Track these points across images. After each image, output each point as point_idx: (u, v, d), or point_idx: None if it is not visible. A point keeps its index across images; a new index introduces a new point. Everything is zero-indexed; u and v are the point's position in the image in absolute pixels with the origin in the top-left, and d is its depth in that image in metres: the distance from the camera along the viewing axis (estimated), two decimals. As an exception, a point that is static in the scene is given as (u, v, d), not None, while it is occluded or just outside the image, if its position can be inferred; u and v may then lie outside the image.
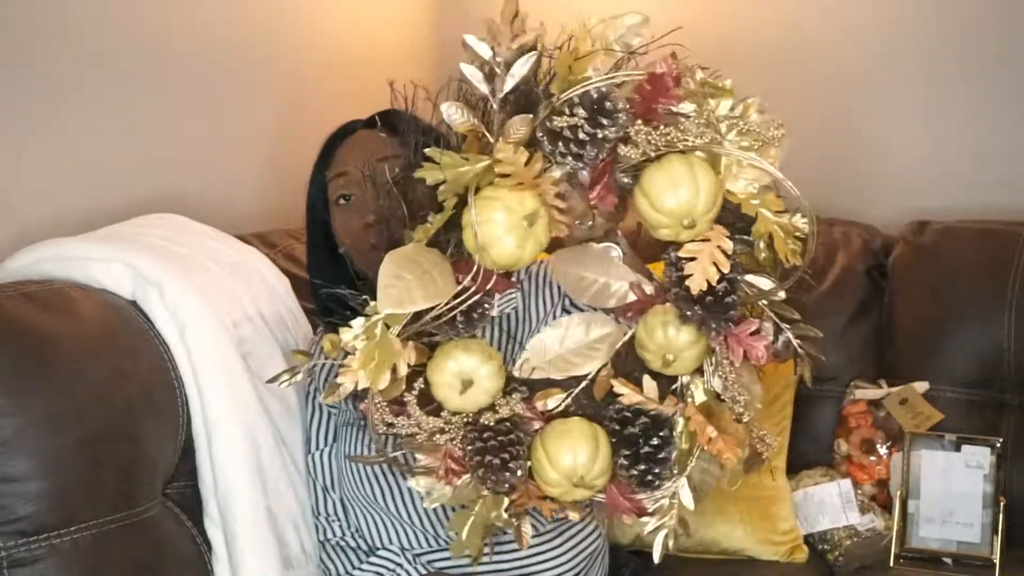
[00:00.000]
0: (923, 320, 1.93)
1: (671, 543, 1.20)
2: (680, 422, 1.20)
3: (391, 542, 1.49)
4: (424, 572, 1.47)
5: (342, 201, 1.54)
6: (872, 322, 1.98)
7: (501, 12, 1.10)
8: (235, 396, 1.45)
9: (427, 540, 1.47)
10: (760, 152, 1.11)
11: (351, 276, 1.45)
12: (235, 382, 1.46)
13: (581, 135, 1.10)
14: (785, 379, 1.83)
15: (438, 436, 1.20)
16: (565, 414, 1.22)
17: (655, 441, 1.18)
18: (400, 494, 1.45)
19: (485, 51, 1.10)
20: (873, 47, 2.22)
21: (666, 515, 1.19)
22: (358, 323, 1.14)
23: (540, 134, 1.12)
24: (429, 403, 1.20)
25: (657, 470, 1.18)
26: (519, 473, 1.18)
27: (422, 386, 1.19)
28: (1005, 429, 1.85)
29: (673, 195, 1.10)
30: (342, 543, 1.53)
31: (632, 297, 1.20)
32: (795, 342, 1.18)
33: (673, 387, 1.21)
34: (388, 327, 1.14)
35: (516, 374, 1.22)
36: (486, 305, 1.18)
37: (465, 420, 1.20)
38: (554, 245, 1.21)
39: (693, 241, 1.14)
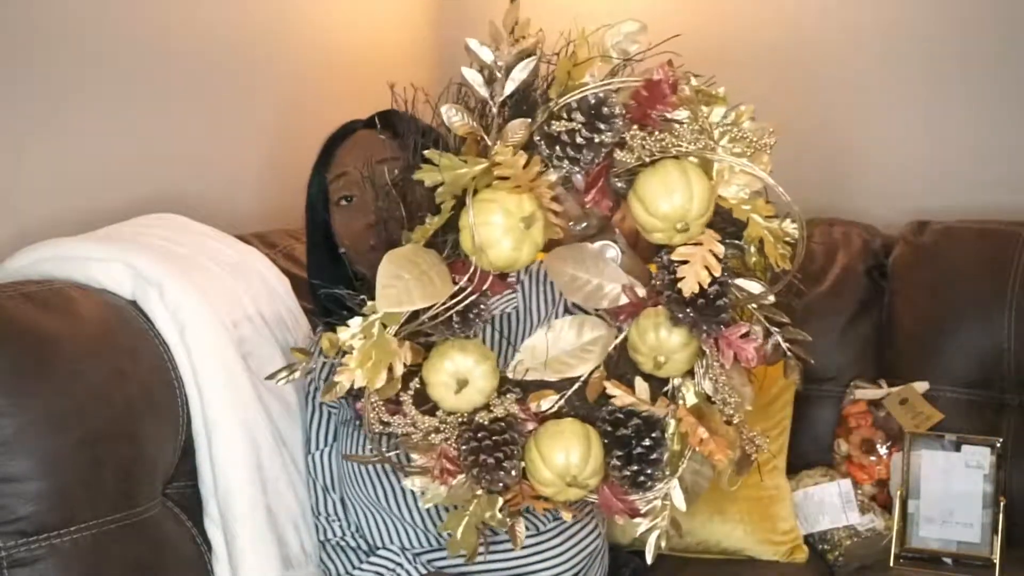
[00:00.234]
0: (923, 320, 1.93)
1: (663, 544, 1.22)
2: (672, 424, 1.21)
3: (391, 541, 1.49)
4: (424, 572, 1.47)
5: (343, 202, 1.54)
6: (872, 322, 1.98)
7: (503, 18, 1.11)
8: (235, 396, 1.45)
9: (427, 539, 1.47)
10: (752, 158, 1.13)
11: (350, 276, 1.45)
12: (235, 382, 1.46)
13: (578, 139, 1.12)
14: (785, 380, 1.83)
15: (433, 435, 1.21)
16: (558, 415, 1.23)
17: (647, 442, 1.19)
18: (400, 493, 1.45)
19: (487, 55, 1.11)
20: (873, 47, 2.22)
21: (658, 516, 1.21)
22: (355, 322, 1.15)
23: (538, 138, 1.13)
24: (425, 403, 1.22)
25: (649, 471, 1.20)
26: (513, 472, 1.20)
27: (418, 385, 1.20)
28: (1005, 429, 1.85)
29: (667, 200, 1.12)
30: (342, 543, 1.53)
31: (624, 300, 1.20)
32: (784, 345, 1.19)
33: (665, 389, 1.23)
34: (385, 326, 1.15)
35: (510, 375, 1.23)
36: (482, 306, 1.19)
37: (460, 420, 1.21)
38: (551, 246, 1.22)
39: (686, 245, 1.15)
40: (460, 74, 1.13)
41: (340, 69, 2.23)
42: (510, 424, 1.21)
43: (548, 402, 1.22)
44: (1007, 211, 2.04)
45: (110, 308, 1.42)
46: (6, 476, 1.24)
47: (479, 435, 1.19)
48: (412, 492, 1.39)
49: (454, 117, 1.12)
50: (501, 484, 1.20)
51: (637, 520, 1.22)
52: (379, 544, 1.51)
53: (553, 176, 1.15)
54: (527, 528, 1.29)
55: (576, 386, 1.23)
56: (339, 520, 1.54)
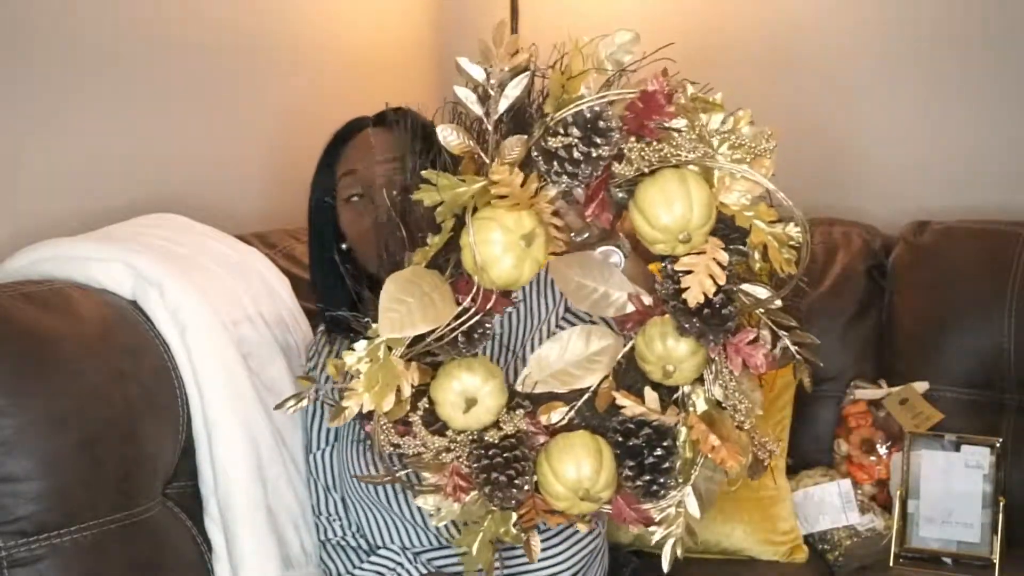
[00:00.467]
0: (923, 320, 1.93)
1: (679, 551, 1.20)
2: (683, 431, 1.20)
3: (392, 541, 1.49)
4: (424, 571, 1.47)
5: (354, 199, 1.53)
6: (872, 322, 1.98)
7: (492, 35, 1.10)
8: (235, 396, 1.45)
9: (428, 538, 1.47)
10: (752, 164, 1.12)
11: (354, 275, 1.45)
12: (235, 382, 1.46)
13: (576, 154, 1.11)
14: (785, 379, 1.83)
15: (444, 455, 1.20)
16: (569, 427, 1.22)
17: (659, 451, 1.18)
18: (401, 491, 1.44)
19: (478, 73, 1.11)
20: (873, 47, 2.22)
21: (673, 524, 1.20)
22: (361, 346, 1.14)
23: (535, 154, 1.13)
24: (434, 422, 1.21)
25: (662, 480, 1.19)
26: (525, 488, 1.19)
27: (426, 405, 1.19)
28: (1005, 429, 1.85)
29: (668, 211, 1.11)
30: (343, 543, 1.53)
31: (631, 308, 1.20)
32: (792, 349, 1.18)
33: (674, 397, 1.22)
34: (391, 349, 1.14)
35: (519, 389, 1.22)
36: (487, 325, 1.18)
37: (470, 438, 1.20)
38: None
39: (689, 254, 1.14)
40: (458, 71, 1.12)
41: (340, 69, 2.23)
42: (520, 440, 1.20)
43: (558, 414, 1.22)
44: (1007, 211, 2.04)
45: (110, 308, 1.42)
46: (6, 476, 1.24)
47: (490, 453, 1.18)
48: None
49: (450, 137, 1.12)
50: (514, 500, 1.19)
51: (652, 528, 1.21)
52: (379, 543, 1.51)
53: (553, 191, 1.14)
54: None
55: (585, 397, 1.22)
56: (340, 520, 1.54)
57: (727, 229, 1.16)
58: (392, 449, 1.19)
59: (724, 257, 1.14)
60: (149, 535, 1.37)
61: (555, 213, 1.16)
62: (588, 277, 1.20)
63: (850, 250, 2.02)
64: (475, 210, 1.13)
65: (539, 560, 1.43)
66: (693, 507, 1.19)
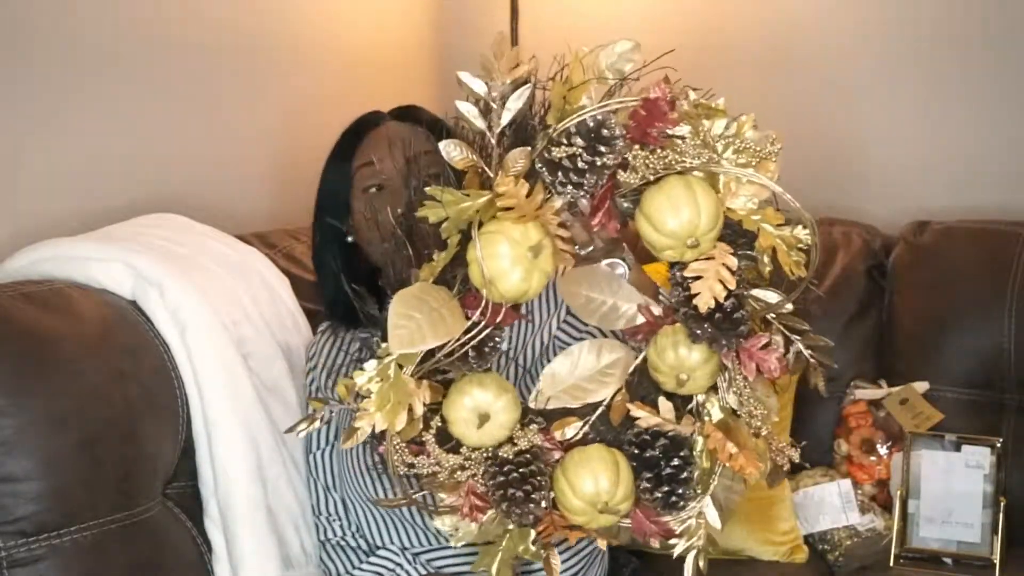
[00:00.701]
0: (923, 320, 1.93)
1: (702, 564, 1.19)
2: (699, 441, 1.19)
3: (391, 541, 1.49)
4: (424, 571, 1.47)
5: (371, 190, 1.52)
6: (872, 322, 1.98)
7: (493, 48, 1.10)
8: (235, 396, 1.45)
9: (427, 538, 1.47)
10: (757, 168, 1.11)
11: (365, 269, 1.45)
12: (235, 382, 1.46)
13: (580, 164, 1.10)
14: (784, 379, 1.83)
15: (459, 473, 1.19)
16: (584, 442, 1.21)
17: (676, 462, 1.17)
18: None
19: (479, 87, 1.10)
20: (873, 47, 2.22)
21: (694, 536, 1.19)
22: (371, 365, 1.14)
23: (539, 165, 1.12)
24: (448, 441, 1.20)
25: (680, 491, 1.18)
26: (543, 504, 1.18)
27: (439, 424, 1.18)
28: (1005, 429, 1.85)
29: (675, 217, 1.11)
30: (342, 543, 1.53)
31: (641, 319, 1.20)
32: (806, 352, 1.18)
33: (689, 407, 1.21)
34: (401, 367, 1.14)
35: (532, 405, 1.22)
36: (496, 339, 1.17)
37: (485, 455, 1.19)
38: None
39: (698, 260, 1.14)
40: (459, 85, 1.12)
41: (341, 69, 2.23)
42: (536, 456, 1.19)
43: (572, 429, 1.20)
44: (1007, 211, 2.03)
45: (110, 308, 1.42)
46: (6, 476, 1.24)
47: (505, 469, 1.17)
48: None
49: (453, 152, 1.12)
50: (531, 517, 1.18)
51: (673, 541, 1.20)
52: (379, 543, 1.51)
53: (558, 202, 1.14)
54: None
55: (599, 411, 1.21)
56: (339, 520, 1.54)
57: (735, 235, 1.15)
58: (407, 469, 1.18)
59: (733, 262, 1.13)
60: (149, 535, 1.37)
61: (561, 225, 1.16)
62: (595, 290, 1.20)
63: (850, 250, 2.02)
64: (481, 225, 1.13)
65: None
66: (713, 518, 1.18)
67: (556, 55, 1.12)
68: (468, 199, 1.11)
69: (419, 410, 1.16)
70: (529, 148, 1.12)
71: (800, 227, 1.13)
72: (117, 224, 1.59)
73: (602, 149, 1.10)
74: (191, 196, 1.81)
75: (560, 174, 1.11)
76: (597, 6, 2.33)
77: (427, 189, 1.12)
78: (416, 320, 1.10)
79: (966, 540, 1.74)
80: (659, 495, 1.17)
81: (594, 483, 1.17)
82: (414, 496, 1.22)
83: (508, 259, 1.11)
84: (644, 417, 1.18)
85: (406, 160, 1.45)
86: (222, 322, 1.48)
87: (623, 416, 1.21)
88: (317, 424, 1.20)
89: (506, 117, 1.11)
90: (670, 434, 1.18)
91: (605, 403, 1.21)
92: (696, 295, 1.12)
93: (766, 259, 1.15)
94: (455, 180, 1.14)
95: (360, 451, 1.47)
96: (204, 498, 1.44)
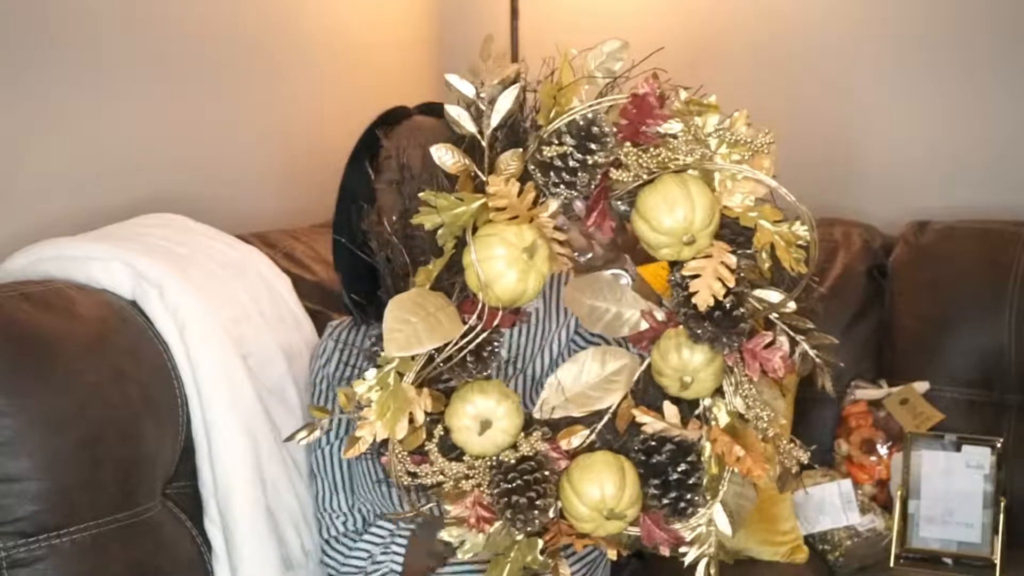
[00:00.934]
0: (923, 320, 1.93)
1: (713, 571, 1.18)
2: (707, 446, 1.18)
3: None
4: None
5: (396, 183, 1.52)
6: (872, 322, 1.98)
7: (480, 50, 1.10)
8: (235, 396, 1.45)
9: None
10: (752, 162, 1.11)
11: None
12: (234, 382, 1.46)
13: (571, 163, 1.10)
14: (790, 379, 1.83)
15: (464, 482, 1.18)
16: (591, 450, 1.20)
17: (683, 467, 1.16)
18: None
19: (468, 89, 1.10)
20: (873, 47, 2.22)
21: (705, 543, 1.17)
22: (371, 374, 1.13)
23: (532, 167, 1.12)
24: (452, 451, 1.19)
25: (689, 496, 1.16)
26: (550, 513, 1.17)
27: (442, 433, 1.18)
28: (1005, 429, 1.85)
29: (670, 214, 1.11)
30: (343, 539, 1.53)
31: (644, 325, 1.19)
32: (811, 352, 1.17)
33: (695, 412, 1.20)
34: (401, 376, 1.13)
35: (537, 416, 1.21)
36: (495, 343, 1.17)
37: (489, 464, 1.19)
38: None
39: (696, 258, 1.14)
40: (446, 107, 1.12)
41: (341, 70, 2.23)
42: (540, 463, 1.18)
43: (579, 438, 1.20)
44: (1007, 211, 2.04)
45: (110, 308, 1.42)
46: (6, 476, 1.24)
47: (509, 476, 1.17)
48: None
49: (445, 156, 1.11)
50: (537, 523, 1.17)
51: (684, 549, 1.19)
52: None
53: (553, 205, 1.14)
54: None
55: (605, 419, 1.20)
56: (343, 516, 1.53)
57: (733, 233, 1.15)
58: (410, 479, 1.18)
59: (732, 260, 1.13)
60: (149, 535, 1.37)
61: (557, 228, 1.16)
62: (599, 298, 1.19)
63: (850, 250, 2.02)
64: (475, 229, 1.13)
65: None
66: (724, 524, 1.17)
67: (545, 58, 1.12)
68: (462, 203, 1.11)
69: (420, 418, 1.15)
70: (521, 150, 1.12)
71: (798, 223, 1.12)
72: (117, 224, 1.59)
73: (593, 147, 1.10)
74: (191, 196, 1.81)
75: (552, 174, 1.11)
76: (597, 5, 2.33)
77: (421, 195, 1.12)
78: (412, 324, 1.10)
79: (966, 540, 1.74)
80: (667, 501, 1.16)
81: (599, 489, 1.16)
82: (421, 508, 1.21)
83: (503, 260, 1.11)
84: (650, 422, 1.18)
85: (400, 166, 1.45)
86: (222, 322, 1.47)
87: (629, 423, 1.20)
88: (317, 433, 1.20)
89: (495, 118, 1.10)
90: (676, 439, 1.17)
91: (611, 411, 1.20)
92: (695, 294, 1.12)
93: (765, 256, 1.15)
94: (448, 186, 1.14)
95: (368, 467, 1.47)
96: (204, 498, 1.44)
